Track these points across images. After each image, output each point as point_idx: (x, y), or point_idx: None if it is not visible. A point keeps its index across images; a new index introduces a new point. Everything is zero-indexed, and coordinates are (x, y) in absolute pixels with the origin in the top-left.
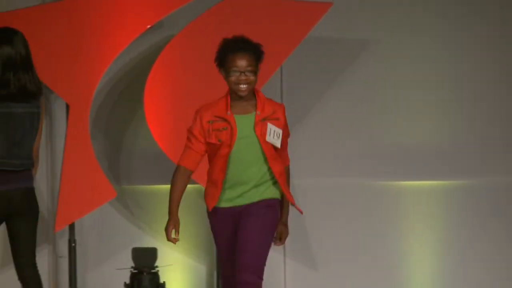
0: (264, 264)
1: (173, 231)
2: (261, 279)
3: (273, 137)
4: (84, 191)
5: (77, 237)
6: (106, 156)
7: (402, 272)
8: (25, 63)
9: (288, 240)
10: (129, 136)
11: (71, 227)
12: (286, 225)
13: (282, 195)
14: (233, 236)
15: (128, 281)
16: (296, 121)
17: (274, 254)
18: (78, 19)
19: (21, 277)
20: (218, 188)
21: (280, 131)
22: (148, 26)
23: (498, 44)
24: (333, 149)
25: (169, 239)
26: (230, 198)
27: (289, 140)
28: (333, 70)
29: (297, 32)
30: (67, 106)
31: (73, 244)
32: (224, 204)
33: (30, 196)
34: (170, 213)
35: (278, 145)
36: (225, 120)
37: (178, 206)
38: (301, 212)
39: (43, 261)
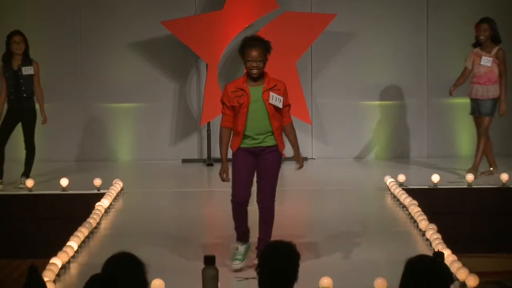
0: (275, 188)
1: (224, 174)
2: (274, 199)
3: (275, 101)
4: (213, 104)
5: (211, 128)
6: (222, 87)
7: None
8: None
9: (314, 128)
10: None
11: (208, 124)
12: (300, 158)
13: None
14: (250, 167)
15: None
16: (321, 71)
17: (304, 135)
18: (218, 20)
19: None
20: (240, 136)
21: (281, 98)
22: (246, 25)
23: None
24: (340, 85)
25: (223, 179)
26: (249, 143)
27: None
28: (341, 45)
29: (312, 33)
30: (207, 65)
31: (209, 132)
32: (244, 145)
33: None
34: (222, 161)
35: (280, 106)
36: (242, 89)
37: (227, 156)
38: (284, 156)
39: (195, 139)
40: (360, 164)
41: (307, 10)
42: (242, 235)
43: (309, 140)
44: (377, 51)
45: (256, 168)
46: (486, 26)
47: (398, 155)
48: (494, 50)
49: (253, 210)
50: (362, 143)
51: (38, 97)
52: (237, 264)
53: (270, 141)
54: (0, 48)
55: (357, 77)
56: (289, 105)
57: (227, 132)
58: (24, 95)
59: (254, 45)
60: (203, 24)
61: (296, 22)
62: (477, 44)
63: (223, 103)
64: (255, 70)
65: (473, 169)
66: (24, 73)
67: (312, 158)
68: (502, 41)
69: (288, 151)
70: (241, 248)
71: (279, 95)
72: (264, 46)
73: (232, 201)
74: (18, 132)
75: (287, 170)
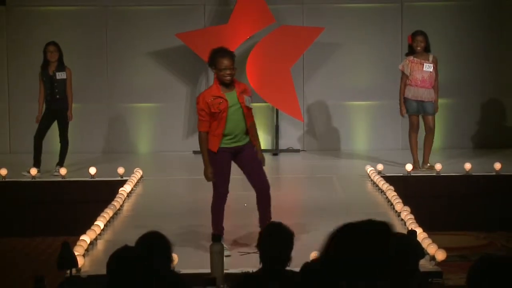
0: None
1: (211, 174)
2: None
3: (248, 102)
4: None
5: None
6: None
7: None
8: None
9: (306, 124)
10: (241, 81)
11: None
12: (262, 155)
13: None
14: (230, 164)
15: None
16: (312, 76)
17: (297, 131)
18: (224, 32)
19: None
20: (219, 138)
21: (250, 98)
22: (248, 37)
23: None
24: (328, 88)
25: (210, 180)
26: (227, 143)
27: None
28: (329, 54)
29: (304, 43)
30: None
31: None
32: (223, 145)
33: None
34: (205, 163)
35: (251, 106)
36: (220, 97)
37: (208, 157)
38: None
39: None
40: (344, 155)
41: (300, 24)
42: (221, 229)
43: (301, 135)
44: (359, 58)
45: (239, 164)
46: (422, 38)
47: (377, 147)
48: (431, 57)
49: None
50: (346, 137)
51: (68, 99)
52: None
53: (245, 140)
54: (38, 57)
55: (343, 81)
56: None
57: (206, 136)
58: (58, 96)
59: (226, 55)
60: (211, 36)
61: (290, 34)
62: (410, 52)
63: (202, 110)
64: (229, 77)
65: (425, 163)
66: (57, 77)
67: (303, 150)
68: (465, 49)
69: (282, 144)
70: (225, 245)
71: (248, 95)
72: (233, 56)
73: (217, 195)
74: (53, 128)
75: (282, 160)
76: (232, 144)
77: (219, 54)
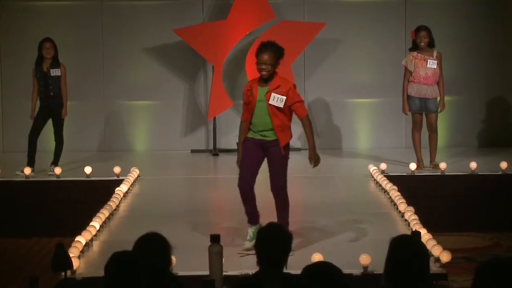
0: (284, 177)
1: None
2: (283, 185)
3: (276, 101)
4: (218, 101)
5: (217, 122)
6: (226, 86)
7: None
8: None
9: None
10: (241, 78)
11: (214, 118)
12: (314, 154)
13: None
14: (255, 156)
15: None
16: (313, 73)
17: (298, 128)
18: (223, 28)
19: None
20: (247, 128)
21: (283, 98)
22: (247, 32)
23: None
24: (329, 85)
25: (238, 167)
26: (253, 134)
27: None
28: (330, 50)
29: (305, 39)
30: (213, 67)
31: (215, 125)
32: (250, 136)
33: None
34: (238, 152)
35: (280, 105)
36: (251, 90)
37: (240, 146)
38: (283, 152)
39: (203, 132)
40: (346, 154)
41: (301, 19)
42: (251, 217)
43: (301, 133)
44: (361, 55)
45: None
46: (425, 33)
47: (380, 146)
48: (435, 53)
49: (265, 196)
50: (349, 135)
51: (62, 96)
52: (246, 245)
53: (271, 136)
54: (31, 53)
55: (344, 78)
56: (299, 101)
57: (243, 125)
58: (52, 93)
59: (264, 50)
60: (210, 32)
61: (290, 30)
62: (414, 48)
63: (243, 100)
64: (264, 72)
65: (432, 162)
66: (52, 74)
67: (304, 149)
68: (466, 44)
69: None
70: (250, 230)
71: (282, 95)
72: (275, 51)
73: (238, 185)
74: (48, 126)
75: None
76: (258, 136)
77: (260, 47)
